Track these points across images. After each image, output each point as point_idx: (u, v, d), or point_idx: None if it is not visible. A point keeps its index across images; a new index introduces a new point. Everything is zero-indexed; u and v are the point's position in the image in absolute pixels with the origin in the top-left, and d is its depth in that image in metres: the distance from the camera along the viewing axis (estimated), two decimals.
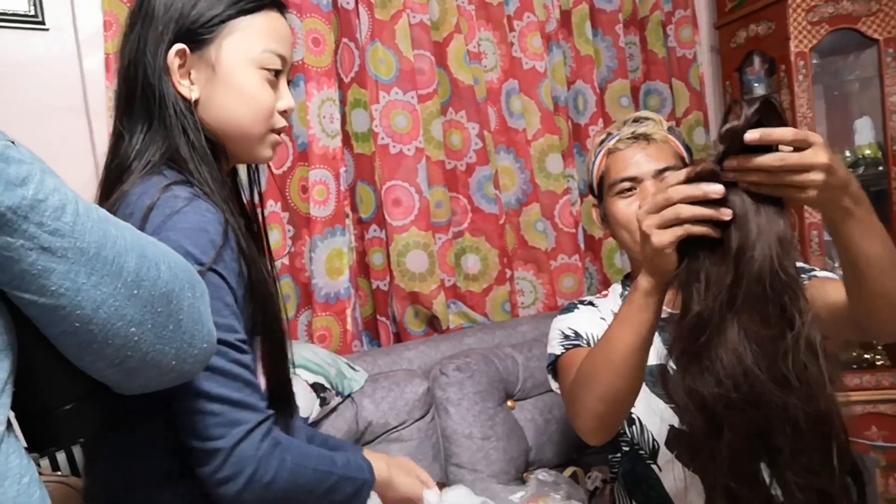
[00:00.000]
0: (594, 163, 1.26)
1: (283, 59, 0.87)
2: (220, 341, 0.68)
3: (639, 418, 1.19)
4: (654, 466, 1.18)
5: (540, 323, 1.78)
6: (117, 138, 0.83)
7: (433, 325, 1.87)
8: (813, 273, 1.12)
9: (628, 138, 1.21)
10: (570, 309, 1.29)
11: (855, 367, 2.06)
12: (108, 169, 0.84)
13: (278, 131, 0.89)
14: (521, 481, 1.54)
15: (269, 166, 1.61)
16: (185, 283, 0.58)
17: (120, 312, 0.51)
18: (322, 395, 1.38)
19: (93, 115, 1.52)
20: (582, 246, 2.04)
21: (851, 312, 0.95)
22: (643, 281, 0.90)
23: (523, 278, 1.99)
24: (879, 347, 2.08)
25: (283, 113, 0.89)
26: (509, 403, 1.63)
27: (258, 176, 0.97)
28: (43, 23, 1.49)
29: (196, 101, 0.83)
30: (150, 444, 0.78)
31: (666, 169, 1.17)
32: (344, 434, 1.42)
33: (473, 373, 1.57)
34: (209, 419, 0.70)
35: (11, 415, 0.54)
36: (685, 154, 1.23)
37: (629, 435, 1.21)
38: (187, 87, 0.82)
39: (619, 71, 2.15)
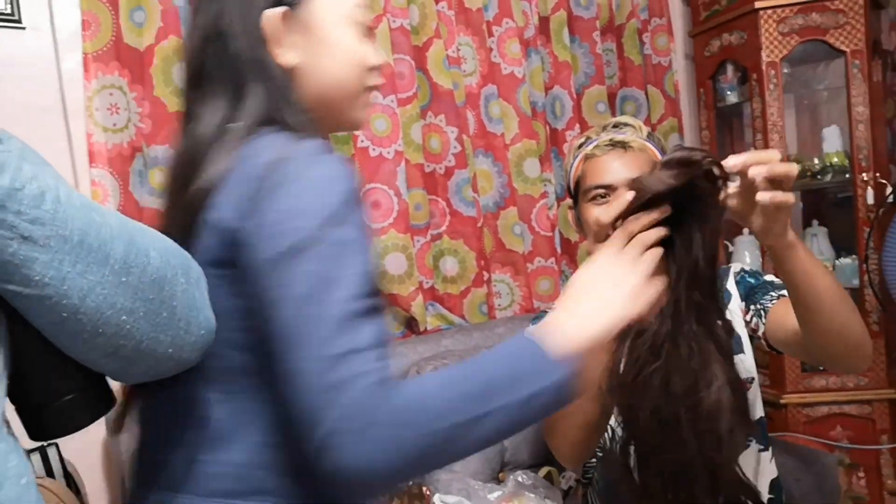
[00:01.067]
0: (572, 166, 1.27)
1: (369, 12, 0.81)
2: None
3: (611, 426, 1.22)
4: (632, 462, 1.21)
5: (517, 325, 1.81)
6: (191, 120, 0.74)
7: (411, 326, 1.88)
8: (782, 293, 1.14)
9: (606, 145, 1.20)
10: (539, 317, 1.32)
11: (821, 368, 2.12)
12: (183, 155, 0.73)
13: (373, 89, 0.82)
14: (498, 481, 1.56)
15: None
16: (177, 269, 0.57)
17: (109, 301, 0.50)
18: None
19: (70, 116, 1.51)
20: (558, 249, 2.07)
21: (806, 344, 1.03)
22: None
23: (500, 281, 2.02)
24: None
25: (375, 70, 0.81)
26: None
27: None
28: (20, 21, 1.48)
29: (292, 69, 0.74)
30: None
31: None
32: None
33: None
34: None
35: (11, 408, 0.54)
36: None
37: (602, 442, 1.24)
38: (286, 54, 0.73)
39: (596, 77, 2.18)
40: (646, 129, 1.24)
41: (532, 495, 1.41)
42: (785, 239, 0.92)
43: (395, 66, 1.82)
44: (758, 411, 1.22)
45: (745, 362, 1.20)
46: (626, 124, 1.24)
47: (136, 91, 1.52)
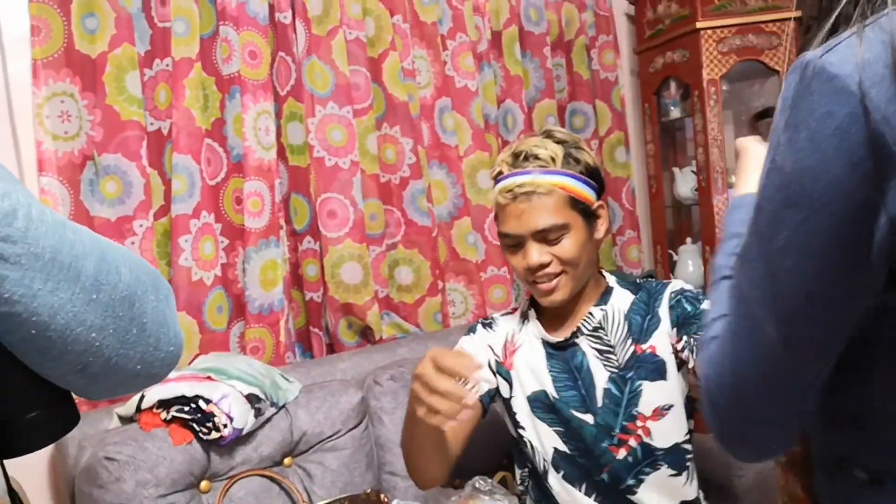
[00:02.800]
0: (494, 197, 1.22)
1: None
2: None
3: (530, 441, 1.26)
4: (547, 484, 1.26)
5: None
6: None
7: (366, 335, 1.89)
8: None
9: (507, 192, 1.16)
10: (471, 330, 1.35)
11: None
12: None
13: None
14: (454, 487, 1.58)
15: (202, 177, 1.61)
16: (147, 285, 0.57)
17: (79, 318, 0.50)
18: (257, 405, 1.38)
19: (17, 121, 1.48)
20: None
21: None
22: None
23: (455, 289, 2.05)
24: None
25: None
26: None
27: None
28: None
29: None
30: None
31: (545, 230, 1.15)
32: (278, 444, 1.43)
33: (407, 382, 1.61)
34: None
35: None
36: (583, 190, 1.17)
37: (528, 455, 1.28)
38: None
39: (547, 91, 2.24)
40: (559, 156, 1.16)
41: (487, 498, 1.44)
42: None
43: (351, 77, 1.84)
44: (673, 437, 1.20)
45: (666, 388, 1.19)
46: (534, 156, 1.16)
47: (88, 99, 1.50)
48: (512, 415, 1.28)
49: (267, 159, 1.70)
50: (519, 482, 1.36)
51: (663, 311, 1.21)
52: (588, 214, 1.19)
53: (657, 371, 1.19)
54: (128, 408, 1.36)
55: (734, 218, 0.73)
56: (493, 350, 1.30)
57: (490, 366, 1.30)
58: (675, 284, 1.24)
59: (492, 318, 1.35)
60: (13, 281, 0.46)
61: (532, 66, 2.24)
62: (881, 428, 0.59)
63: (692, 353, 1.13)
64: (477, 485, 1.46)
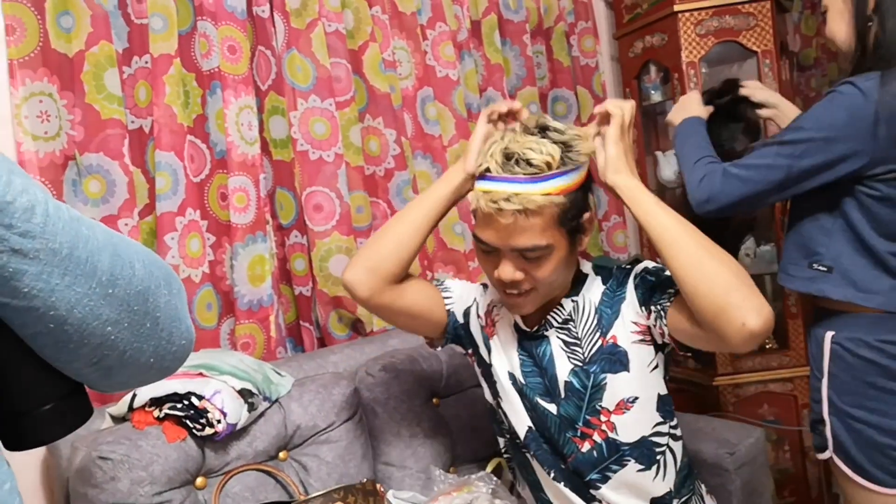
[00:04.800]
0: (475, 195, 1.10)
1: None
2: None
3: (506, 414, 1.27)
4: (528, 454, 1.27)
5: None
6: None
7: (357, 328, 1.90)
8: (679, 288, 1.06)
9: (492, 202, 1.04)
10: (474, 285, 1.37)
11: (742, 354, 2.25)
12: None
13: None
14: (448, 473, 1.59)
15: (186, 174, 1.60)
16: (160, 280, 0.58)
17: (95, 312, 0.51)
18: (250, 400, 1.38)
19: None
20: None
21: (697, 323, 1.03)
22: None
23: None
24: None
25: None
26: (434, 401, 1.68)
27: None
28: None
29: None
30: None
31: (525, 249, 1.06)
32: (273, 438, 1.43)
33: (399, 372, 1.61)
34: None
35: None
36: (576, 196, 1.09)
37: (506, 424, 1.29)
38: None
39: (528, 79, 2.25)
40: (556, 159, 1.04)
41: (481, 483, 1.45)
42: (622, 177, 1.09)
43: (332, 69, 1.84)
44: (640, 431, 1.16)
45: (629, 380, 1.15)
46: (527, 161, 1.04)
47: (67, 98, 1.48)
48: (492, 383, 1.29)
49: (251, 154, 1.70)
50: (503, 449, 1.37)
51: (629, 295, 1.16)
52: (575, 231, 1.11)
53: (619, 362, 1.15)
54: (120, 407, 1.36)
55: (692, 143, 1.46)
56: (478, 305, 1.32)
57: (473, 309, 1.32)
58: (639, 266, 1.19)
59: (484, 283, 1.35)
60: (32, 276, 0.46)
61: (512, 54, 2.24)
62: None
63: (661, 319, 1.09)
64: (472, 476, 1.47)
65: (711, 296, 0.99)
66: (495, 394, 1.29)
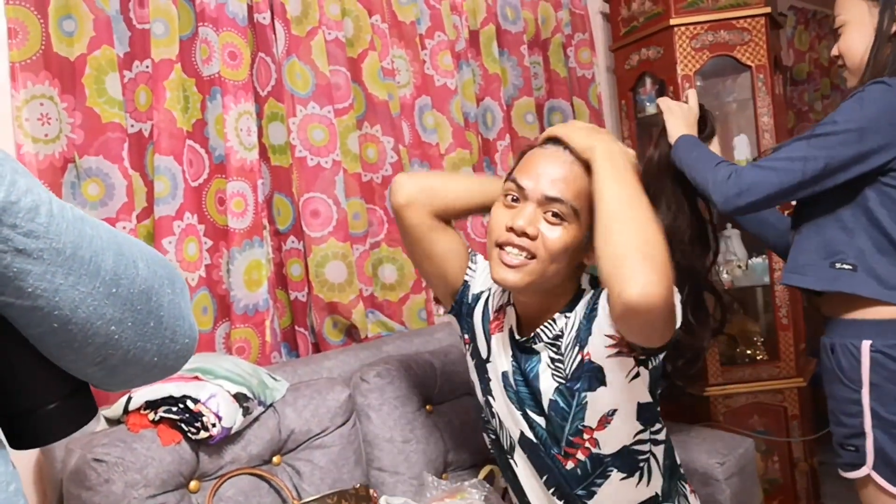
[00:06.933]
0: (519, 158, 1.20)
1: None
2: None
3: (498, 415, 1.28)
4: (511, 461, 1.28)
5: (454, 330, 1.86)
6: None
7: (351, 334, 1.90)
8: None
9: (548, 139, 1.15)
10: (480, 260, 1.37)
11: (738, 362, 2.27)
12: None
13: None
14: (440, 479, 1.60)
15: (185, 178, 1.61)
16: (164, 279, 0.58)
17: (99, 311, 0.51)
18: (245, 404, 1.39)
19: None
20: None
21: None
22: None
23: None
24: (759, 344, 2.30)
25: None
26: (428, 407, 1.69)
27: None
28: None
29: None
30: None
31: (553, 200, 1.10)
32: (267, 442, 1.44)
33: (393, 379, 1.62)
34: None
35: None
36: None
37: (493, 426, 1.30)
38: None
39: (525, 89, 2.27)
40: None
41: (475, 492, 1.46)
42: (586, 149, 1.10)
43: (332, 77, 1.85)
44: (621, 440, 1.16)
45: (607, 394, 1.12)
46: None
47: (68, 101, 1.49)
48: (486, 380, 1.29)
49: (249, 160, 1.71)
50: (489, 447, 1.37)
51: (601, 310, 1.11)
52: (593, 231, 1.09)
53: (596, 378, 1.12)
54: (115, 410, 1.36)
55: (703, 150, 1.43)
56: (492, 296, 1.31)
57: (485, 296, 1.32)
58: None
59: None
60: (36, 276, 0.47)
61: (510, 64, 2.26)
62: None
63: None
64: (465, 484, 1.48)
65: (605, 257, 0.99)
66: (486, 390, 1.29)
